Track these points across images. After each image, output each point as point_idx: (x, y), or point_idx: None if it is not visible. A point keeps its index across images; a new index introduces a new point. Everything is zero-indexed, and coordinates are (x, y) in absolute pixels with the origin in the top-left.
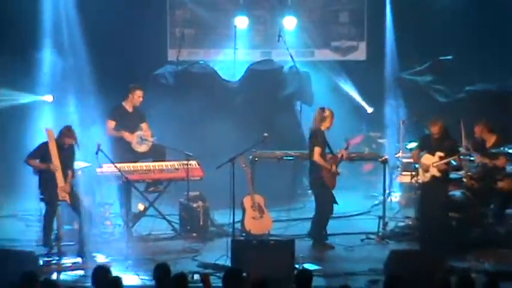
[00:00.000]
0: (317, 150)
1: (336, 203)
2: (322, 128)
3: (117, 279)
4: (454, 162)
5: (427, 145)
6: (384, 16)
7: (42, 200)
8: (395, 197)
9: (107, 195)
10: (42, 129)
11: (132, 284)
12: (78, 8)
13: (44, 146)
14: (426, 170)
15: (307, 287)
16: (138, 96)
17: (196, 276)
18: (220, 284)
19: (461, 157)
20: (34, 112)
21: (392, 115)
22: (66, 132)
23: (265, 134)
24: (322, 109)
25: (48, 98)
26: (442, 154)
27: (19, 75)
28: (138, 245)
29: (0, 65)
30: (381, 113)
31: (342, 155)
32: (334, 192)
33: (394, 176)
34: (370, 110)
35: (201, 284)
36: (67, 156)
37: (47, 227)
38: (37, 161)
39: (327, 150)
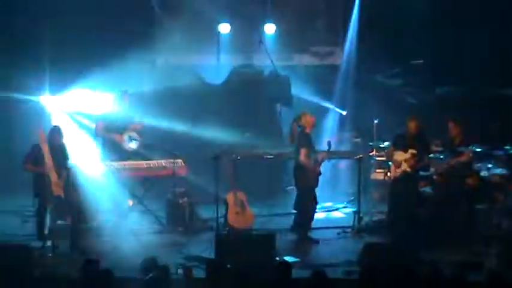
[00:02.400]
0: (303, 151)
1: (317, 202)
2: (308, 130)
3: (108, 272)
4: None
5: (401, 143)
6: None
7: (35, 195)
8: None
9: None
10: (37, 132)
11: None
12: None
13: (36, 148)
14: (398, 166)
15: (286, 278)
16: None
17: (180, 270)
18: (205, 276)
19: (430, 156)
20: (29, 110)
21: (366, 116)
22: (56, 131)
23: (247, 134)
24: (305, 113)
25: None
26: (414, 151)
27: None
28: (127, 239)
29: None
30: (356, 113)
31: (323, 157)
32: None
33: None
34: (344, 112)
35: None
36: (59, 154)
37: (40, 222)
38: (32, 164)
39: (311, 151)
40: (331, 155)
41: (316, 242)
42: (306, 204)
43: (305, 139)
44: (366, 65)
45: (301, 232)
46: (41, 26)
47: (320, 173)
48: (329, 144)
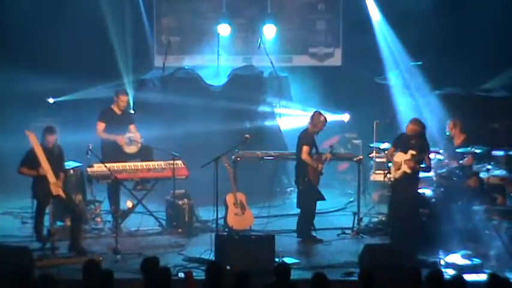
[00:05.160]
0: (305, 149)
1: (324, 199)
2: (311, 129)
3: (108, 273)
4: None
5: (401, 144)
6: (358, 25)
7: (34, 196)
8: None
9: (97, 193)
10: (25, 132)
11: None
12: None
13: (31, 151)
14: (398, 168)
15: (286, 279)
16: (122, 100)
17: (181, 274)
18: (205, 277)
19: (430, 156)
20: (33, 112)
21: (366, 117)
22: (48, 130)
23: (247, 136)
24: (319, 113)
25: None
26: (414, 153)
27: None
28: (127, 240)
29: None
30: (355, 115)
31: (327, 158)
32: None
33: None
34: (345, 117)
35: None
36: (55, 155)
37: (38, 223)
38: (26, 168)
39: (314, 151)
40: (334, 156)
41: (319, 241)
42: (309, 202)
43: (307, 137)
44: (366, 66)
45: (304, 231)
46: None
47: (322, 173)
48: (331, 147)
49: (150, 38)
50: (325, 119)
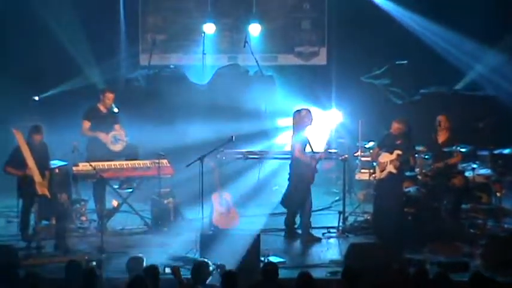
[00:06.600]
0: (297, 146)
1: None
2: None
3: (92, 272)
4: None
5: (386, 144)
6: (343, 23)
7: (19, 196)
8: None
9: (82, 192)
10: (12, 129)
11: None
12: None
13: (17, 150)
14: (383, 169)
15: (273, 278)
16: (108, 98)
17: (167, 270)
18: (190, 276)
19: (416, 155)
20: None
21: (351, 116)
22: (34, 130)
23: (232, 135)
24: (299, 111)
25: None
26: (399, 152)
27: None
28: (113, 239)
29: None
30: (341, 114)
31: (321, 156)
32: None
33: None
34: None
35: (171, 276)
36: (40, 154)
37: (23, 222)
38: (12, 167)
39: (309, 149)
40: (329, 154)
41: (318, 239)
42: (303, 200)
43: (299, 135)
44: (351, 65)
45: (302, 230)
46: None
47: (317, 171)
48: (328, 144)
49: (124, 31)
50: (307, 112)
